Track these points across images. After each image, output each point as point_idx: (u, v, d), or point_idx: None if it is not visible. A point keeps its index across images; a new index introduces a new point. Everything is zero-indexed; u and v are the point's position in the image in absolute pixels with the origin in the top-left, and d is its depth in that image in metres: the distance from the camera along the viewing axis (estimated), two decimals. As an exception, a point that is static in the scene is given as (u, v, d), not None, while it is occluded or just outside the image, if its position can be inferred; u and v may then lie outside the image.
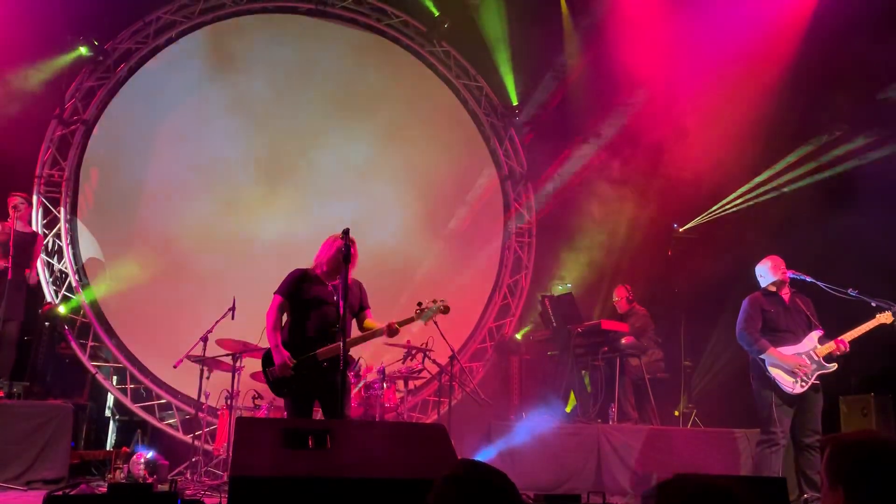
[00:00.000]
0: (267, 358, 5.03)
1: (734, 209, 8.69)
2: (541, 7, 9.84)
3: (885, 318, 5.72)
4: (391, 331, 4.96)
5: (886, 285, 6.03)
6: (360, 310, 5.21)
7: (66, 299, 8.27)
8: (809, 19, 8.01)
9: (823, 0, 7.92)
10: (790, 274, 6.06)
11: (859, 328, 5.78)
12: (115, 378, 8.31)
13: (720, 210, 8.78)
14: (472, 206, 10.14)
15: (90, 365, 8.06)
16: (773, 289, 6.10)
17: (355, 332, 5.19)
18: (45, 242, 8.22)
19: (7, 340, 6.87)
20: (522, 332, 9.48)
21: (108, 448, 7.67)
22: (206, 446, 7.35)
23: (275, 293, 5.08)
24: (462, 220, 10.04)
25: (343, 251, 4.84)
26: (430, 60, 10.19)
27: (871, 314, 5.77)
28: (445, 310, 5.05)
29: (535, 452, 6.77)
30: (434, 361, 7.35)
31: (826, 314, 6.07)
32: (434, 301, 5.04)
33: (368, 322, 5.21)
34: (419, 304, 5.06)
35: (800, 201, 7.94)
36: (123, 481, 6.45)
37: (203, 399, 7.07)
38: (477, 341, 9.83)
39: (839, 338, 5.79)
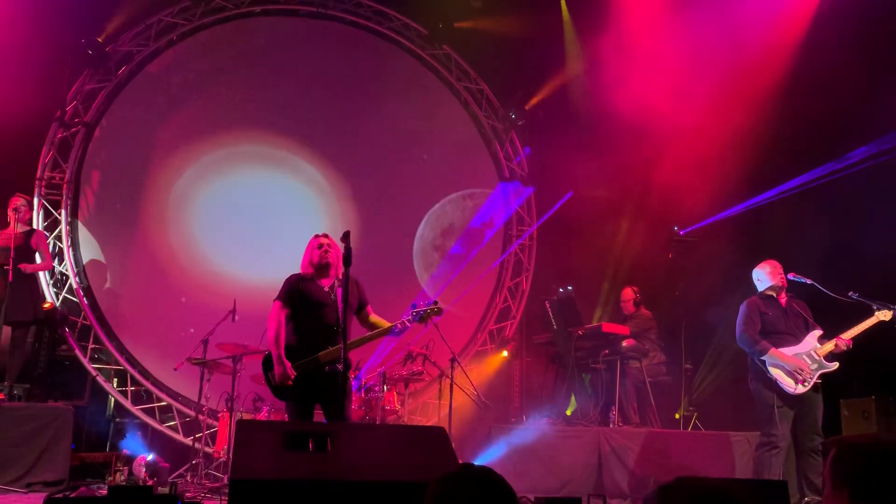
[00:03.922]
0: (268, 361, 5.03)
1: (736, 213, 8.67)
2: (542, 9, 9.84)
3: (883, 315, 5.71)
4: (398, 330, 5.02)
5: (887, 289, 6.03)
6: (360, 307, 5.20)
7: (66, 301, 8.27)
8: (810, 22, 8.01)
9: (823, 3, 7.92)
10: (791, 276, 6.07)
11: (858, 326, 5.78)
12: (115, 380, 8.31)
13: (721, 213, 8.76)
14: (474, 208, 10.15)
15: (91, 367, 8.05)
16: (772, 293, 6.10)
17: (357, 330, 5.19)
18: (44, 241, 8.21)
19: (16, 343, 6.86)
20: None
21: (108, 450, 7.66)
22: (207, 449, 7.35)
23: (274, 300, 5.08)
24: (463, 222, 10.05)
25: (326, 249, 5.08)
26: (431, 63, 10.20)
27: (871, 314, 5.77)
28: (439, 311, 5.09)
29: (536, 455, 6.76)
30: (434, 364, 7.36)
31: (826, 317, 6.06)
32: (428, 303, 5.06)
33: (373, 318, 5.21)
34: (413, 306, 5.09)
35: (801, 204, 7.93)
36: (124, 484, 6.44)
37: (203, 401, 7.07)
38: (478, 344, 9.83)
39: (840, 335, 5.79)
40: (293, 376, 4.83)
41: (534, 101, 10.31)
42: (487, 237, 10.16)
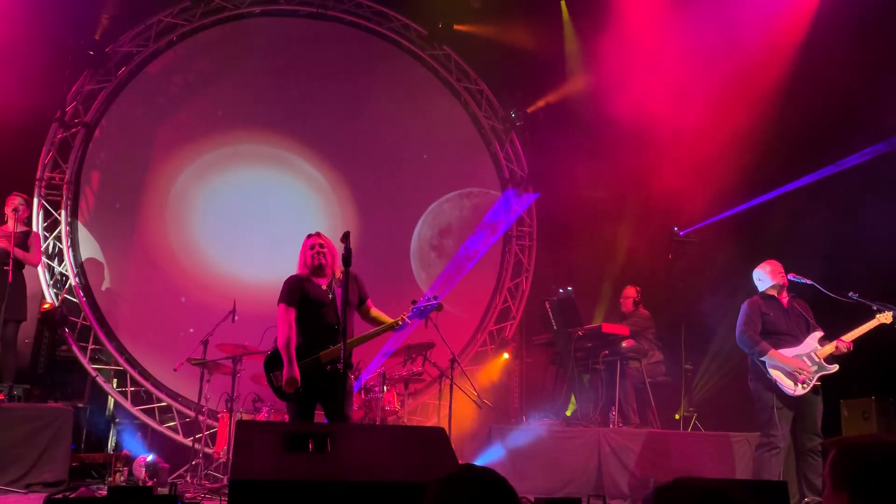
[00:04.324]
0: (269, 362, 5.02)
1: (736, 213, 8.66)
2: (542, 10, 9.84)
3: (885, 318, 5.70)
4: (399, 325, 5.02)
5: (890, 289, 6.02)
6: (360, 302, 5.21)
7: (66, 302, 8.27)
8: (811, 21, 8.01)
9: (823, 4, 7.92)
10: (791, 277, 6.06)
11: (859, 329, 5.77)
12: (115, 381, 8.31)
13: (721, 214, 8.75)
14: (472, 207, 10.15)
15: (90, 368, 8.05)
16: (773, 293, 6.09)
17: (359, 327, 5.19)
18: (45, 245, 8.23)
19: (9, 343, 6.86)
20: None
21: (108, 451, 7.66)
22: (207, 449, 7.34)
23: (279, 303, 5.06)
24: (461, 221, 10.04)
25: (318, 249, 5.09)
26: (431, 63, 10.20)
27: (871, 316, 5.76)
28: (439, 307, 5.10)
29: (536, 456, 6.76)
30: (434, 364, 7.35)
31: (827, 318, 6.06)
32: (427, 299, 5.07)
33: (374, 312, 5.22)
34: (413, 302, 5.10)
35: (802, 204, 7.93)
36: (123, 484, 6.44)
37: (203, 402, 7.07)
38: (477, 344, 9.82)
39: (840, 338, 5.78)
40: (298, 384, 4.82)
41: (536, 105, 10.30)
42: (488, 238, 10.13)
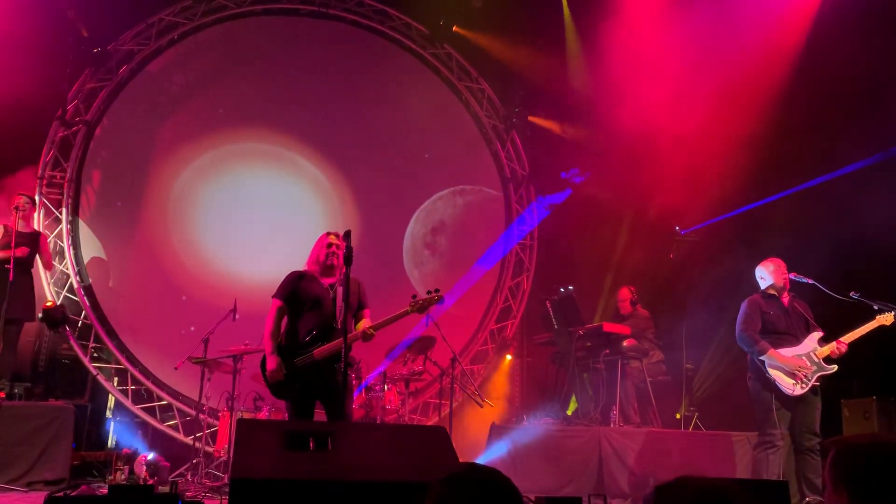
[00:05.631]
0: (264, 361, 5.02)
1: (738, 213, 8.65)
2: (543, 9, 9.84)
3: (885, 319, 5.69)
4: (365, 336, 4.87)
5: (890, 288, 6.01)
6: (358, 309, 5.18)
7: (67, 300, 8.28)
8: (812, 19, 8.00)
9: (825, 5, 7.91)
10: (792, 276, 6.05)
11: (859, 329, 5.76)
12: (116, 379, 8.31)
13: (723, 215, 8.74)
14: (474, 207, 10.14)
15: (91, 366, 8.06)
16: (774, 292, 6.08)
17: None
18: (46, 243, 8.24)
19: (11, 341, 6.86)
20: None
21: (108, 449, 7.66)
22: (207, 448, 7.35)
23: (273, 297, 5.08)
24: (454, 219, 10.04)
25: (334, 250, 5.05)
26: (433, 62, 10.20)
27: (872, 317, 5.75)
28: (440, 299, 5.05)
29: (537, 455, 6.76)
30: (435, 363, 7.35)
31: (828, 317, 6.05)
32: (429, 292, 5.02)
33: (360, 324, 5.10)
34: (413, 296, 5.06)
35: (804, 203, 7.92)
36: (124, 483, 6.45)
37: (204, 400, 7.07)
38: (478, 343, 9.82)
39: (839, 339, 5.77)
40: (281, 375, 4.82)
41: (539, 121, 10.30)
42: (488, 237, 10.12)
